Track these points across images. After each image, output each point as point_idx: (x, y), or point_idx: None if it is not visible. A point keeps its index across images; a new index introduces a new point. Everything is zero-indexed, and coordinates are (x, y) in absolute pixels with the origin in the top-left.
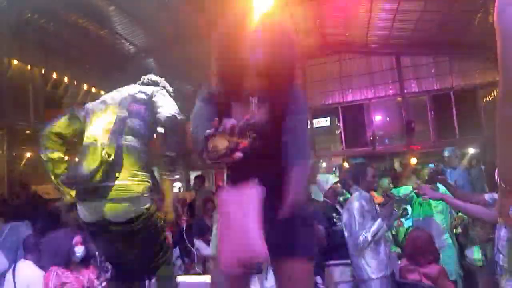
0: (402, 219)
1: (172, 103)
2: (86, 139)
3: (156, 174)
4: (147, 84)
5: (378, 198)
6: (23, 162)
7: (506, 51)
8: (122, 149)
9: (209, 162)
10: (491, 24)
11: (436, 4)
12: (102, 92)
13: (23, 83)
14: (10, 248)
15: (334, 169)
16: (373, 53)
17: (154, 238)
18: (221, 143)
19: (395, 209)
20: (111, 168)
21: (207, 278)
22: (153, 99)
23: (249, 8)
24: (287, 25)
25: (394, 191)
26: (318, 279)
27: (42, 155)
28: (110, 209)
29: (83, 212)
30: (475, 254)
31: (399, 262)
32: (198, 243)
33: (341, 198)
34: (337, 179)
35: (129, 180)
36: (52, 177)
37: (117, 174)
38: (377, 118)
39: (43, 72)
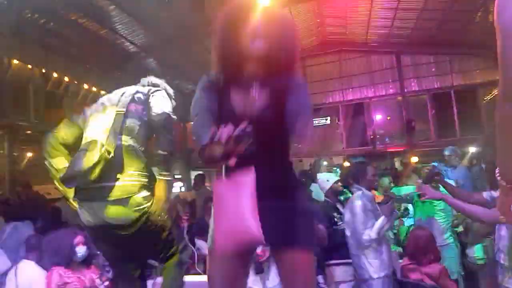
0: (403, 219)
1: (166, 102)
2: (85, 140)
3: (156, 174)
4: (148, 86)
5: (378, 197)
6: (24, 161)
7: (506, 50)
8: (121, 149)
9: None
10: (491, 23)
11: (436, 3)
12: (103, 92)
13: (23, 83)
14: (12, 248)
15: (334, 168)
16: (373, 52)
17: (155, 237)
18: (217, 151)
19: (395, 209)
20: (110, 167)
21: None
22: (149, 99)
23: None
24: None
25: (395, 190)
26: (320, 278)
27: (46, 163)
28: (110, 210)
29: (84, 214)
30: (476, 252)
31: (401, 261)
32: (199, 242)
33: (342, 197)
34: (338, 178)
35: (129, 181)
36: (57, 184)
37: (118, 175)
38: (378, 117)
39: (43, 71)
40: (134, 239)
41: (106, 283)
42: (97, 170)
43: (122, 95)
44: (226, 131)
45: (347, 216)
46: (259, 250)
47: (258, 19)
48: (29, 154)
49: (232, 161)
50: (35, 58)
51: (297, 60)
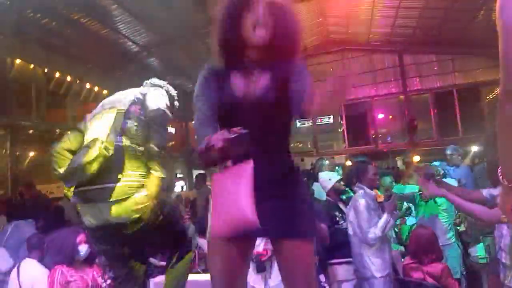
0: (406, 218)
1: (162, 99)
2: (86, 141)
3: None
4: (148, 87)
5: (380, 196)
6: (26, 161)
7: (507, 48)
8: (121, 149)
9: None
10: (493, 21)
11: (438, 1)
12: (105, 91)
13: (25, 83)
14: (14, 247)
15: (336, 167)
16: (375, 51)
17: (157, 235)
18: (212, 157)
19: (397, 209)
20: (110, 168)
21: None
22: (146, 97)
23: None
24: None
25: (399, 188)
26: (322, 277)
27: (55, 173)
28: (112, 211)
29: (85, 215)
30: (479, 252)
31: (403, 260)
32: (200, 241)
33: (343, 197)
34: (340, 177)
35: (129, 181)
36: (66, 191)
37: (118, 176)
38: (380, 116)
39: (45, 71)
40: (136, 237)
41: (109, 281)
42: (95, 165)
43: (123, 97)
44: (220, 137)
45: (351, 215)
46: (260, 248)
47: (259, 6)
48: (32, 154)
49: (229, 164)
50: (37, 58)
51: (298, 47)
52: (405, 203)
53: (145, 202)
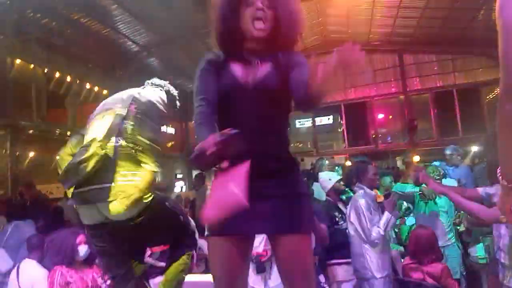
0: (405, 217)
1: (155, 93)
2: (85, 141)
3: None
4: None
5: (380, 197)
6: (26, 161)
7: (507, 47)
8: (119, 150)
9: None
10: (493, 21)
11: (438, 1)
12: (105, 91)
13: (26, 83)
14: (14, 248)
15: (336, 167)
16: (375, 51)
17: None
18: (206, 159)
19: (396, 208)
20: (106, 165)
21: (208, 278)
22: (141, 94)
23: None
24: None
25: (401, 187)
26: (321, 278)
27: (58, 177)
28: (110, 210)
29: (83, 215)
30: (478, 252)
31: (402, 260)
32: (200, 242)
33: (343, 197)
34: (340, 177)
35: (128, 181)
36: (66, 191)
37: (116, 176)
38: (380, 116)
39: (46, 71)
40: (134, 234)
41: (108, 282)
42: (90, 164)
43: (122, 97)
44: (211, 141)
45: (352, 215)
46: (260, 249)
47: None
48: (32, 154)
49: (225, 164)
50: (37, 58)
51: (298, 38)
52: (404, 203)
53: (136, 195)
